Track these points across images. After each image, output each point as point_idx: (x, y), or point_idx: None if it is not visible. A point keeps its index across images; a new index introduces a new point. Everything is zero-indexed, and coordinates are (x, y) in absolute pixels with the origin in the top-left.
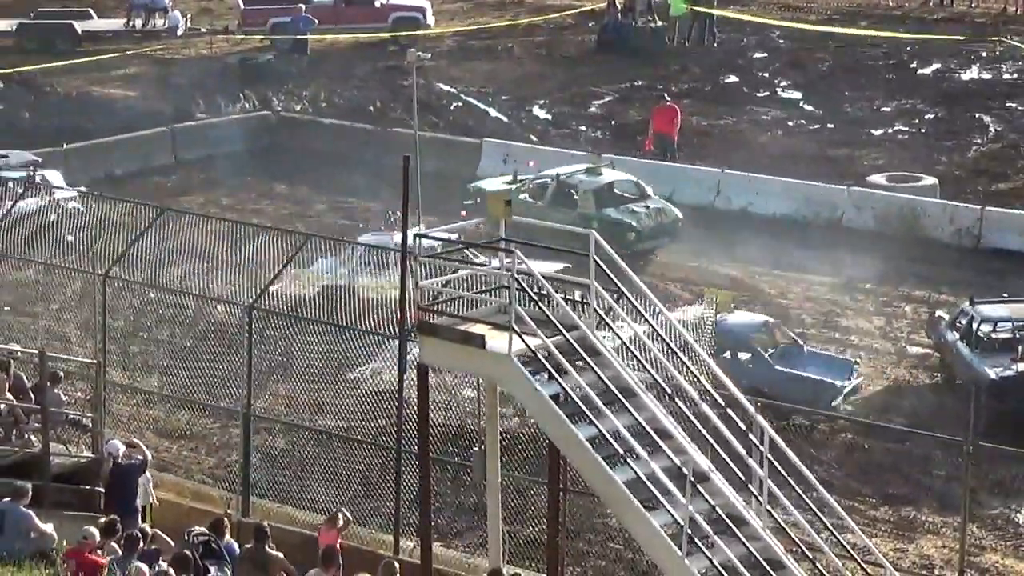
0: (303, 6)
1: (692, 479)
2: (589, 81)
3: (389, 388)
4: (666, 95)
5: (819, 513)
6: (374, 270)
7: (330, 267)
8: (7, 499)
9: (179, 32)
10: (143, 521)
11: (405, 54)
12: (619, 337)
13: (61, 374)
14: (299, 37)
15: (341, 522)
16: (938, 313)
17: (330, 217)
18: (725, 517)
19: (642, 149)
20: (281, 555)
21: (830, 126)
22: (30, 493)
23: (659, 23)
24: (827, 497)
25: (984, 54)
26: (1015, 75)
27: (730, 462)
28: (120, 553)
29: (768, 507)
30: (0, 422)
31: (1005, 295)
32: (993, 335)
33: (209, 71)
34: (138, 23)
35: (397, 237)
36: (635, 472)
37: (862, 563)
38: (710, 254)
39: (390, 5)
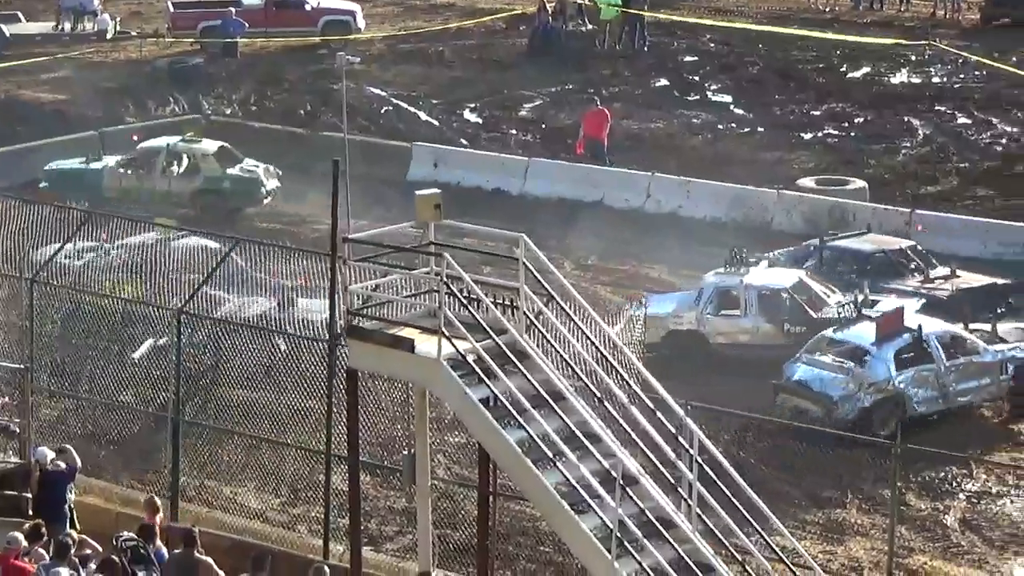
0: (233, 10)
1: (621, 482)
2: (520, 85)
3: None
4: (597, 99)
5: (748, 516)
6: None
7: None
8: None
9: (108, 36)
10: (71, 527)
11: (335, 58)
12: (550, 341)
13: None
14: (229, 41)
15: (159, 502)
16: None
17: (258, 222)
18: (654, 520)
19: (573, 152)
20: (210, 560)
21: (760, 129)
22: None
23: (590, 27)
24: (756, 499)
25: (913, 58)
26: (944, 79)
27: (659, 465)
28: (47, 559)
29: (697, 510)
30: None
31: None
32: None
33: (139, 75)
34: (67, 26)
35: None
36: (564, 475)
37: (791, 565)
38: (640, 257)
39: (320, 9)
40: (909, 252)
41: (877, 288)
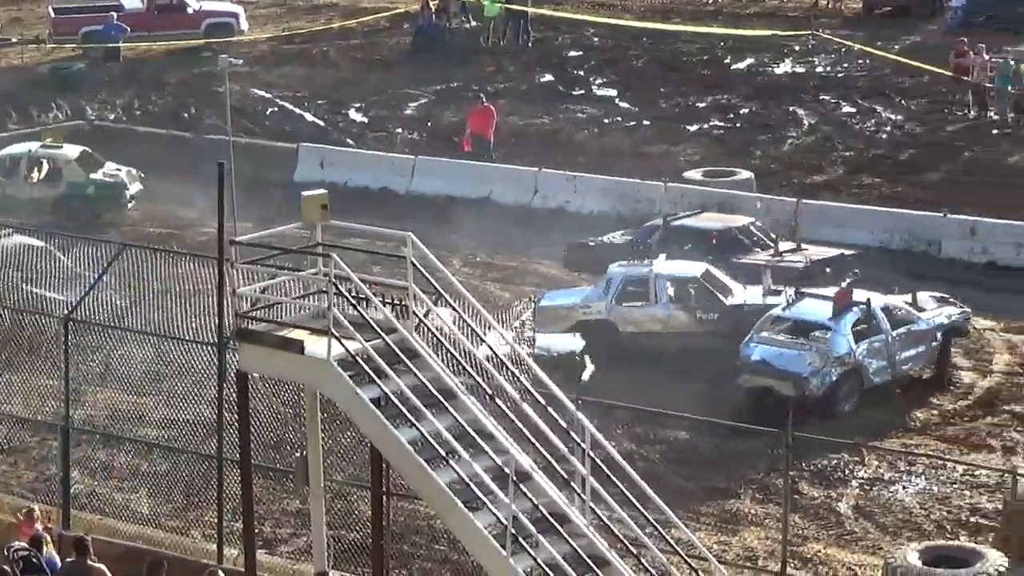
0: (115, 14)
1: (515, 479)
2: (405, 83)
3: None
4: (482, 95)
5: (642, 509)
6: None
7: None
8: None
9: None
10: None
11: (218, 60)
12: (438, 337)
13: None
14: (111, 45)
15: (37, 513)
16: None
17: (144, 226)
18: (548, 516)
19: (459, 150)
20: (103, 567)
21: (646, 123)
22: None
23: (473, 23)
24: (650, 492)
25: (797, 48)
26: (827, 68)
27: (552, 461)
28: None
29: (591, 504)
30: None
31: None
32: None
33: (20, 81)
34: None
35: None
36: (457, 473)
37: (686, 557)
38: (528, 252)
39: (203, 12)
40: (751, 228)
41: (726, 263)
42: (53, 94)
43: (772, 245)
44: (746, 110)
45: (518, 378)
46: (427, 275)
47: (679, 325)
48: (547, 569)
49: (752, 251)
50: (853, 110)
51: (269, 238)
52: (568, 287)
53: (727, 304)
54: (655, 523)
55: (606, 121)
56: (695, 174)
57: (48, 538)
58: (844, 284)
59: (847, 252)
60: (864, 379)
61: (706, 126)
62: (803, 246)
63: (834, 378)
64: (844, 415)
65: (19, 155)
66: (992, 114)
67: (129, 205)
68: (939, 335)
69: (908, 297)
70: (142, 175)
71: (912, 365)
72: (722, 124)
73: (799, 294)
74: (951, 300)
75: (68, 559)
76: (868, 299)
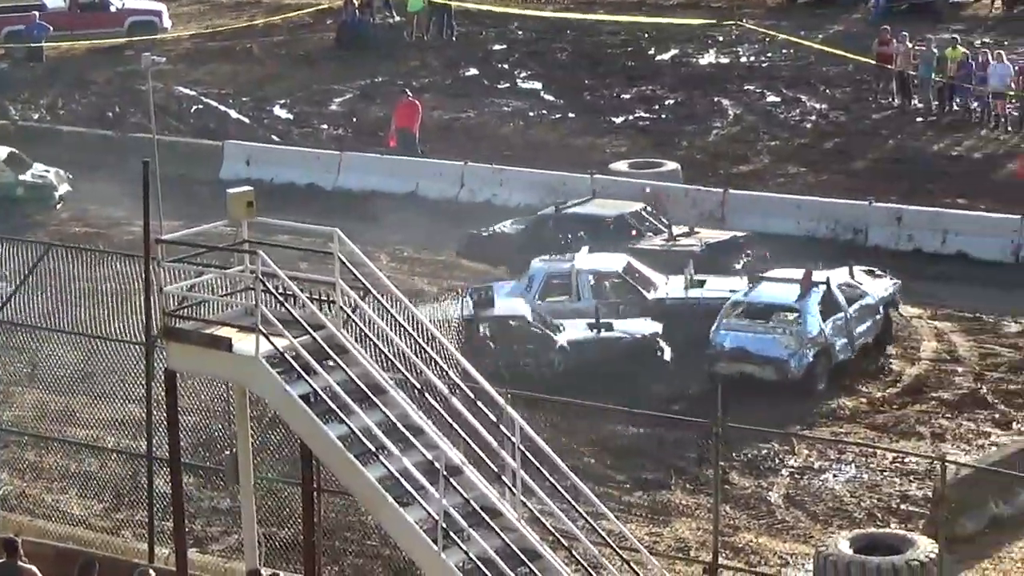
0: (36, 14)
1: (445, 473)
2: (329, 79)
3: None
4: (407, 90)
5: (573, 502)
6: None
7: None
8: None
9: None
10: None
11: (141, 59)
12: (367, 335)
13: None
14: (34, 45)
15: None
16: None
17: (70, 226)
18: (479, 510)
19: (385, 145)
20: (34, 568)
21: (571, 115)
22: None
23: (397, 18)
24: (580, 485)
25: (721, 38)
26: (752, 58)
27: (482, 454)
28: None
29: (522, 498)
30: None
31: None
32: None
33: None
34: None
35: None
36: (388, 469)
37: (617, 549)
38: (456, 247)
39: (126, 10)
40: (643, 214)
41: (622, 248)
42: None
43: (666, 230)
44: (671, 101)
45: (447, 372)
46: (354, 271)
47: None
48: (479, 563)
49: (645, 236)
50: (778, 100)
51: (195, 236)
52: (496, 280)
53: (649, 298)
54: (586, 516)
55: (531, 114)
56: (621, 166)
57: None
58: (739, 266)
59: (739, 235)
60: (832, 357)
61: (631, 118)
62: (696, 230)
63: (810, 359)
64: (818, 395)
65: None
66: (916, 102)
67: (58, 206)
68: (882, 308)
69: (846, 272)
70: (70, 176)
71: (864, 339)
72: (647, 115)
73: (757, 279)
74: (879, 272)
75: None
76: (827, 278)
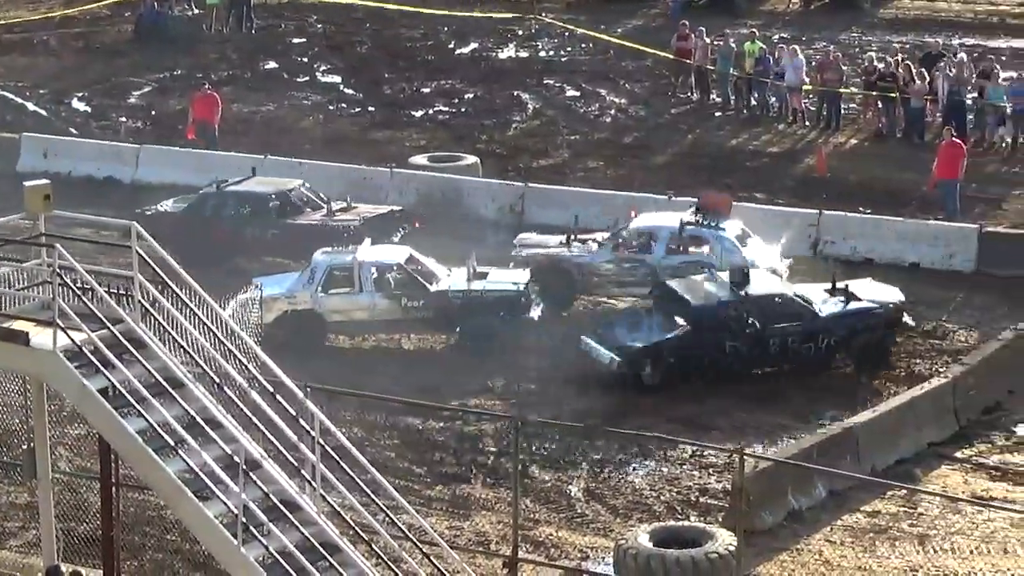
0: None
1: (244, 467)
2: (128, 72)
3: None
4: (206, 83)
5: (373, 495)
6: None
7: None
8: None
9: None
10: None
11: None
12: (166, 328)
13: None
14: None
15: None
16: None
17: None
18: (279, 504)
19: (184, 138)
20: None
21: (371, 109)
22: None
23: (196, 11)
24: (380, 479)
25: (520, 32)
26: (551, 53)
27: (282, 448)
28: None
29: (322, 491)
30: None
31: None
32: None
33: None
34: None
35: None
36: (186, 463)
37: (418, 543)
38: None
39: None
40: (303, 190)
41: (281, 225)
42: None
43: (324, 205)
44: (471, 95)
45: (246, 366)
46: (153, 264)
47: (385, 312)
48: (279, 557)
49: (305, 212)
50: (577, 94)
51: None
52: (281, 272)
53: (431, 290)
54: (386, 509)
55: (331, 108)
56: (421, 159)
57: None
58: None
59: (396, 208)
60: None
61: (431, 111)
62: (354, 205)
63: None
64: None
65: None
66: (714, 97)
67: None
68: None
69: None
70: None
71: None
72: (447, 109)
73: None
74: None
75: None
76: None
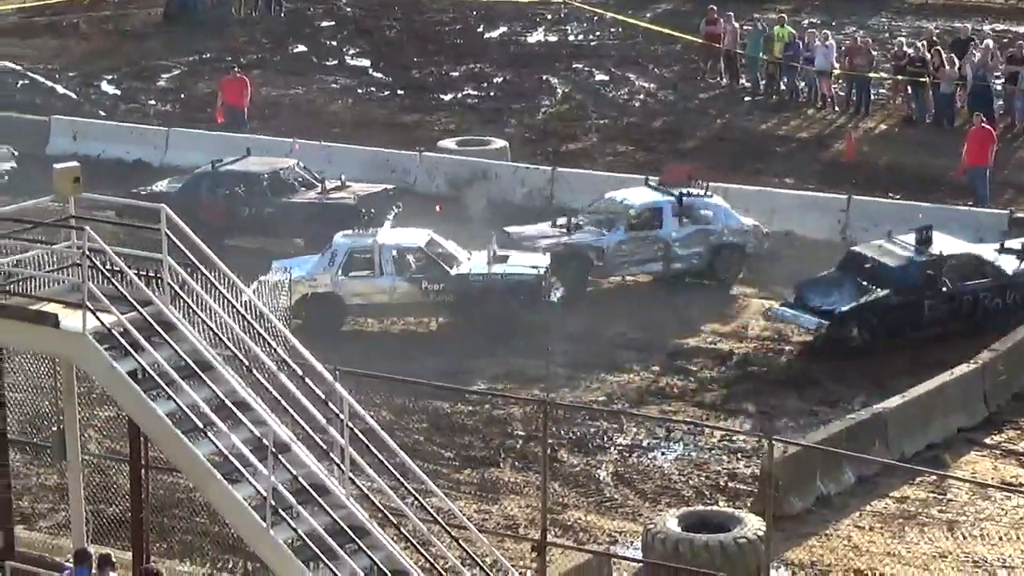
0: None
1: (273, 450)
2: (157, 55)
3: None
4: (235, 67)
5: (402, 479)
6: None
7: None
8: None
9: None
10: None
11: None
12: (195, 311)
13: None
14: None
15: None
16: None
17: None
18: (308, 487)
19: (213, 121)
20: None
21: (400, 92)
22: None
23: None
24: (409, 462)
25: (549, 16)
26: (580, 37)
27: (311, 431)
28: None
29: (351, 475)
30: None
31: None
32: None
33: None
34: None
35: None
36: (216, 445)
37: (446, 526)
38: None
39: None
40: (296, 169)
41: (276, 203)
42: None
43: (319, 184)
44: (500, 79)
45: (275, 349)
46: (182, 246)
47: (405, 296)
48: (307, 540)
49: (300, 191)
50: (606, 78)
51: (21, 211)
52: (299, 256)
53: (452, 273)
54: (415, 493)
55: (360, 91)
56: (449, 143)
57: None
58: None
59: (389, 187)
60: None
61: (460, 95)
62: (348, 183)
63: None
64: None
65: None
66: (744, 82)
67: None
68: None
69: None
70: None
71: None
72: (476, 93)
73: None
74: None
75: None
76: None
